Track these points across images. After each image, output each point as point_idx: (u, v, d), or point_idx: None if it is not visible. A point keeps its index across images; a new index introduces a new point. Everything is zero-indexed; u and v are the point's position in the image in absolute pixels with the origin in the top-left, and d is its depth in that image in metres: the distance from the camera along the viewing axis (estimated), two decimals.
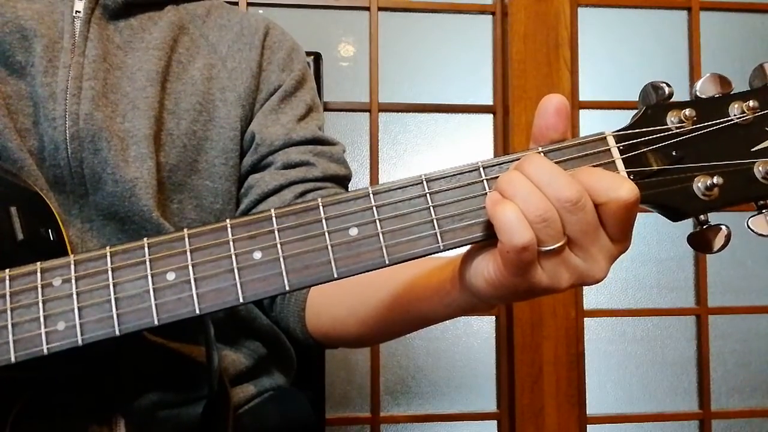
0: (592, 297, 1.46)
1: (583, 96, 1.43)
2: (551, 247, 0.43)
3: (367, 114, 1.41)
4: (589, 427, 1.40)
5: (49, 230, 0.59)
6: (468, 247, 0.48)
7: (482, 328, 1.44)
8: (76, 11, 0.71)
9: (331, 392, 1.36)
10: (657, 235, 1.47)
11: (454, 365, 1.43)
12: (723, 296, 1.49)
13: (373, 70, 1.41)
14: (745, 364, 1.50)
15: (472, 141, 1.45)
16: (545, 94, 1.54)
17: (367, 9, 1.42)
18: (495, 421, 1.42)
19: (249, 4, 1.38)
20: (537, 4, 1.39)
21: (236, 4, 1.37)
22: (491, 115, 1.45)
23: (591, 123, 1.43)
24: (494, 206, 0.43)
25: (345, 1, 1.42)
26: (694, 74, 1.48)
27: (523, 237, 0.41)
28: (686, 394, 1.48)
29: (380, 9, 1.42)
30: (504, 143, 1.41)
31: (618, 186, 0.42)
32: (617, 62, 1.48)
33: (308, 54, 1.10)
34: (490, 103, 1.45)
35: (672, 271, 1.49)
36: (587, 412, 1.40)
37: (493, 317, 1.43)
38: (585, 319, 1.42)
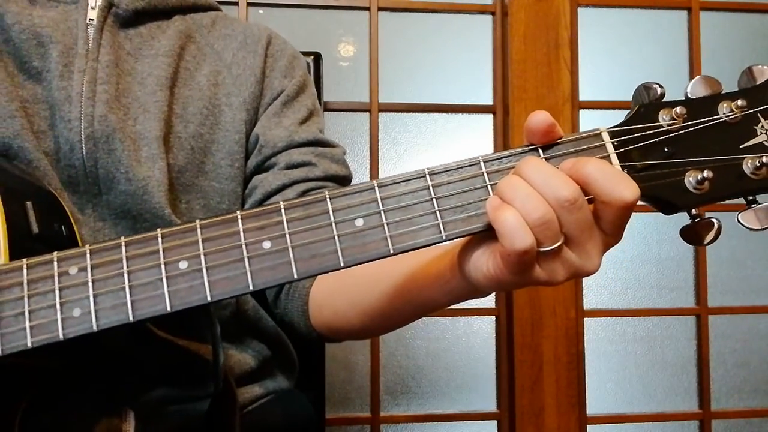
0: (592, 297, 1.46)
1: (583, 96, 1.43)
2: (550, 248, 0.44)
3: (367, 114, 1.41)
4: (589, 427, 1.40)
5: (62, 226, 0.61)
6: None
7: (482, 328, 1.44)
8: (90, 19, 0.74)
9: (331, 392, 1.36)
10: (657, 235, 1.47)
11: (454, 365, 1.43)
12: (723, 296, 1.50)
13: (373, 70, 1.41)
14: (745, 364, 1.50)
15: (472, 141, 1.45)
16: (545, 94, 1.54)
17: (367, 9, 1.42)
18: (495, 421, 1.42)
19: (249, 4, 1.39)
20: (537, 4, 1.39)
21: (236, 4, 1.37)
22: (491, 115, 1.45)
23: (591, 123, 1.43)
24: (495, 211, 0.44)
25: (345, 1, 1.42)
26: (693, 74, 1.48)
27: (525, 242, 0.43)
28: (686, 394, 1.48)
29: (380, 9, 1.42)
30: (504, 143, 1.41)
31: (623, 187, 0.44)
32: (617, 62, 1.49)
33: (308, 54, 1.10)
34: (490, 103, 1.45)
35: (672, 271, 1.49)
36: (587, 412, 1.40)
37: (493, 317, 1.43)
38: (585, 319, 1.42)
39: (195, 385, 0.63)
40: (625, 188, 0.44)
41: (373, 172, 1.39)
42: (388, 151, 1.43)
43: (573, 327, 1.36)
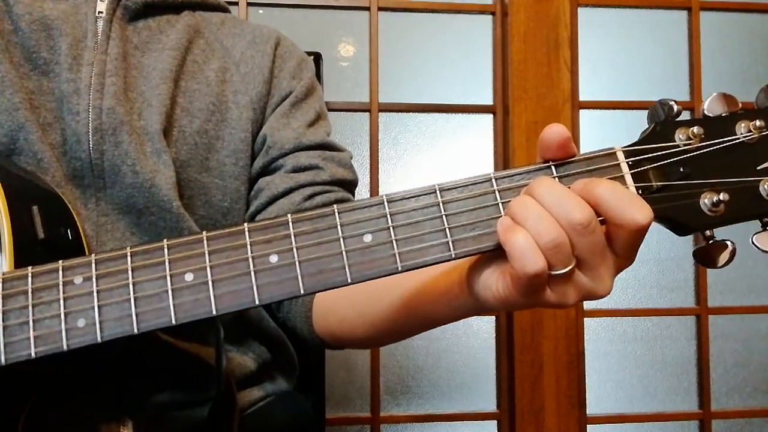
0: None
1: (583, 96, 1.43)
2: (562, 272, 0.43)
3: (367, 114, 1.41)
4: (589, 427, 1.40)
5: (68, 230, 0.61)
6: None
7: (482, 328, 1.44)
8: (99, 12, 0.74)
9: (331, 393, 1.36)
10: (657, 235, 1.47)
11: (454, 365, 1.43)
12: (723, 296, 1.50)
13: (373, 70, 1.41)
14: (745, 364, 1.50)
15: (472, 141, 1.45)
16: (545, 94, 1.54)
17: (367, 9, 1.42)
18: (495, 421, 1.42)
19: (249, 4, 1.38)
20: (537, 4, 1.39)
21: (236, 4, 1.37)
22: (491, 115, 1.45)
23: (591, 123, 1.43)
24: (506, 233, 0.43)
25: (345, 1, 1.42)
26: (694, 74, 1.48)
27: (536, 265, 0.42)
28: (686, 394, 1.48)
29: (380, 9, 1.42)
30: (504, 143, 1.41)
31: (635, 209, 0.43)
32: (617, 62, 1.48)
33: (308, 54, 1.10)
34: (490, 103, 1.45)
35: (672, 271, 1.49)
36: (587, 412, 1.40)
37: (493, 317, 1.43)
38: (585, 319, 1.42)
39: (197, 388, 0.63)
40: (638, 211, 0.43)
41: (373, 172, 1.39)
42: (388, 151, 1.43)
43: (573, 327, 1.36)
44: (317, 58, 1.16)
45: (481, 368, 1.43)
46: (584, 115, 1.43)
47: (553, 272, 0.43)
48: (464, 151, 1.44)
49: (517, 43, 1.38)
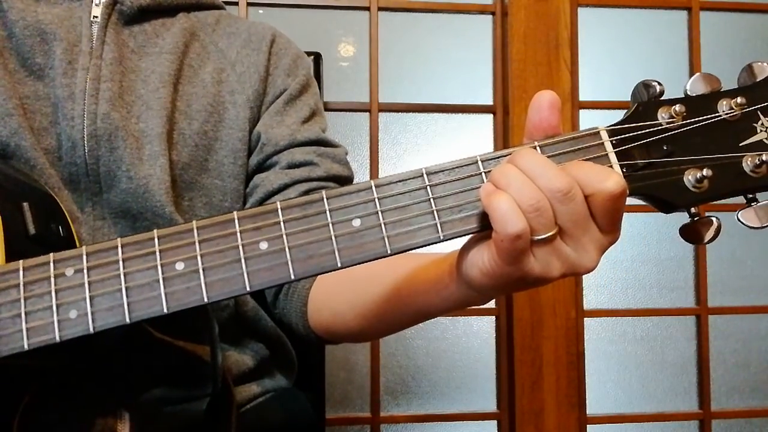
0: (592, 297, 1.46)
1: (583, 96, 1.43)
2: (543, 236, 0.44)
3: (367, 114, 1.41)
4: (589, 427, 1.40)
5: (59, 226, 0.61)
6: (465, 240, 0.49)
7: (482, 328, 1.44)
8: (94, 16, 0.73)
9: (331, 392, 1.36)
10: (657, 235, 1.47)
11: (454, 365, 1.43)
12: (723, 296, 1.50)
13: (373, 70, 1.41)
14: (745, 364, 1.50)
15: (472, 141, 1.45)
16: None
17: (367, 9, 1.42)
18: (495, 421, 1.42)
19: (249, 4, 1.39)
20: (537, 4, 1.39)
21: (236, 3, 1.37)
22: (491, 115, 1.45)
23: (591, 123, 1.43)
24: (488, 196, 0.44)
25: (345, 1, 1.42)
26: (693, 74, 1.48)
27: (517, 225, 0.43)
28: (686, 394, 1.48)
29: (380, 9, 1.42)
30: (504, 143, 1.41)
31: (604, 178, 0.44)
32: (617, 62, 1.48)
33: (308, 54, 1.10)
34: (490, 103, 1.45)
35: (672, 271, 1.49)
36: (587, 412, 1.40)
37: (493, 317, 1.43)
38: (585, 319, 1.42)
39: (192, 386, 0.63)
40: (608, 179, 0.44)
41: (373, 172, 1.39)
42: (388, 151, 1.43)
43: (573, 327, 1.36)
44: (317, 58, 1.16)
45: (481, 368, 1.43)
46: (584, 115, 1.44)
47: (536, 237, 0.44)
48: (464, 151, 1.44)
49: (517, 43, 1.39)
